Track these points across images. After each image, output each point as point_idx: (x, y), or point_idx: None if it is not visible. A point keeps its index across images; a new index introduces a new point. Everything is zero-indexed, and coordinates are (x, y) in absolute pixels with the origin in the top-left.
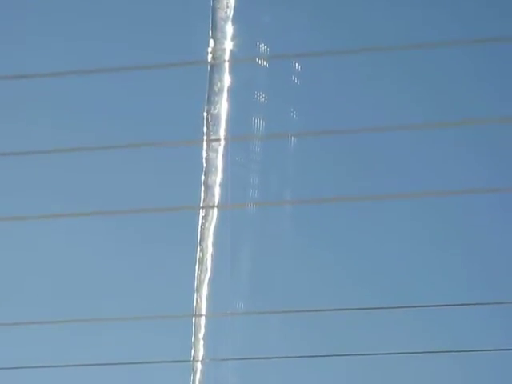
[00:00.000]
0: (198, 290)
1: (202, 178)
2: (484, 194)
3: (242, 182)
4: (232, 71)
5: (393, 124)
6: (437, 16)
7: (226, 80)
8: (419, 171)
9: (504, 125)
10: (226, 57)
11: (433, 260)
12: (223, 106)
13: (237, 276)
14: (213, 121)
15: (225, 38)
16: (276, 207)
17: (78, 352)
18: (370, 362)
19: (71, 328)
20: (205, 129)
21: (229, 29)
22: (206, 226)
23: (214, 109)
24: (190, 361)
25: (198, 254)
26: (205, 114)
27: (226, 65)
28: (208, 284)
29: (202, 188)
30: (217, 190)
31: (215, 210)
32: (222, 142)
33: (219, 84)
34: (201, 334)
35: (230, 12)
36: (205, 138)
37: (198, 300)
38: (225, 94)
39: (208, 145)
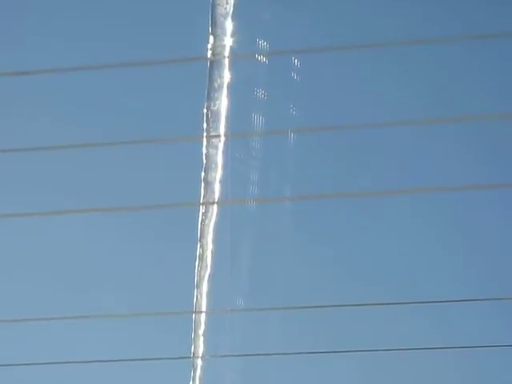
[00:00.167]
0: (198, 286)
1: (202, 174)
2: (484, 190)
3: (242, 179)
4: (232, 67)
5: (392, 120)
6: (437, 12)
7: (226, 76)
8: (419, 167)
9: (504, 121)
10: (226, 53)
11: (433, 256)
12: (223, 103)
13: (237, 272)
14: (213, 117)
15: (224, 34)
16: (276, 203)
17: (78, 348)
18: (370, 359)
19: (70, 324)
20: (205, 125)
21: (228, 25)
22: (206, 222)
23: (214, 105)
24: (190, 357)
25: (198, 251)
26: (205, 110)
27: (226, 61)
28: (208, 280)
29: (202, 184)
30: (217, 187)
31: (215, 206)
32: (222, 139)
33: (219, 80)
34: (201, 331)
35: (230, 8)
36: (205, 134)
37: (198, 296)
38: (224, 91)
39: (208, 141)
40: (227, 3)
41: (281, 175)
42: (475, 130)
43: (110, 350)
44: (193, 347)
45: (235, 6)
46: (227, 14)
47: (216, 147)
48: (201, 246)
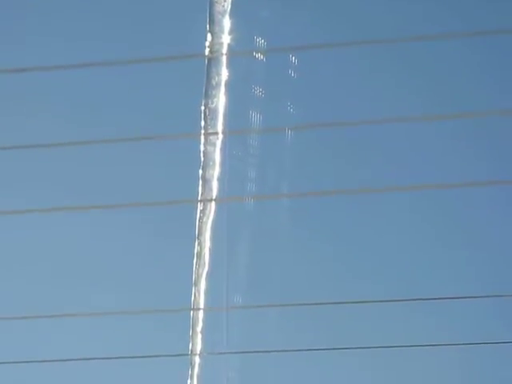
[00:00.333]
0: (196, 283)
1: (200, 171)
2: (484, 187)
3: (240, 176)
4: (230, 65)
5: (391, 116)
6: (435, 8)
7: (224, 74)
8: (418, 163)
9: (504, 117)
10: (224, 50)
11: (432, 252)
12: (221, 100)
13: (235, 270)
14: (210, 114)
15: (222, 31)
16: (274, 201)
17: (75, 346)
18: (370, 356)
19: (68, 322)
20: (202, 122)
21: (226, 22)
22: (204, 219)
23: (212, 102)
24: (187, 354)
25: (196, 248)
26: (202, 107)
27: (224, 58)
28: (206, 278)
29: (200, 182)
30: (214, 184)
31: (213, 203)
32: (220, 136)
33: (217, 78)
34: (199, 328)
35: (228, 6)
36: (202, 131)
37: (196, 294)
38: (222, 88)
39: (206, 139)
40: (225, 1)
41: (279, 172)
42: (474, 127)
43: (107, 348)
44: (191, 344)
45: (233, 3)
46: (225, 11)
47: (214, 144)
48: (199, 244)
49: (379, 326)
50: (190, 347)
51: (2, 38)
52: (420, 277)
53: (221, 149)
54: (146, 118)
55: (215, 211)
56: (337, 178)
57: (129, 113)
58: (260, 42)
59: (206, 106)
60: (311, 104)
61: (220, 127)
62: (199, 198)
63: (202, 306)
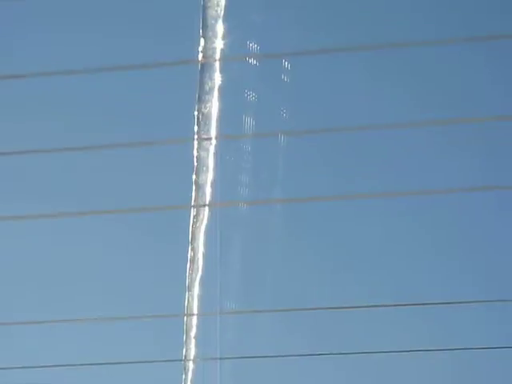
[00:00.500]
0: (190, 289)
1: (193, 176)
2: (481, 192)
3: (233, 181)
4: (223, 70)
5: (385, 122)
6: (433, 13)
7: (217, 79)
8: (413, 169)
9: (502, 123)
10: (217, 56)
11: (429, 258)
12: (214, 105)
13: (228, 275)
14: (204, 120)
15: (215, 36)
16: (267, 206)
17: (69, 351)
18: (364, 361)
19: (62, 327)
20: (196, 128)
21: (219, 28)
22: (197, 225)
23: (205, 108)
24: (181, 360)
25: (190, 253)
26: (195, 112)
27: (217, 64)
28: (199, 283)
29: (193, 187)
30: (208, 189)
31: (206, 209)
32: (213, 141)
33: (210, 83)
34: (192, 333)
35: (221, 11)
36: (196, 136)
37: (190, 299)
38: (215, 93)
39: (199, 144)
40: (218, 6)
41: (271, 177)
42: (470, 132)
43: (101, 353)
44: (184, 350)
45: (226, 8)
46: (218, 16)
47: (207, 150)
48: (192, 249)
49: (373, 332)
50: (184, 352)
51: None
52: (417, 282)
53: (214, 154)
54: (140, 124)
55: (208, 216)
56: (329, 183)
57: (122, 118)
58: (253, 47)
59: (199, 111)
60: (304, 109)
61: (213, 132)
62: (192, 203)
63: (195, 311)
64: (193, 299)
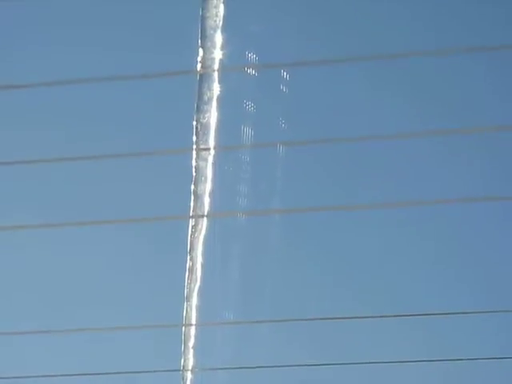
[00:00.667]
0: (188, 299)
1: (192, 187)
2: (479, 203)
3: (232, 191)
4: (221, 80)
5: (384, 132)
6: (434, 24)
7: (216, 89)
8: (413, 179)
9: (502, 133)
10: (216, 66)
11: (429, 268)
12: (212, 115)
13: (227, 285)
14: (202, 130)
15: (214, 47)
16: (266, 216)
17: (67, 362)
18: (362, 371)
19: (59, 338)
20: (194, 138)
21: (218, 38)
22: (196, 235)
23: (204, 118)
24: (179, 370)
25: (188, 264)
26: (194, 123)
27: (216, 74)
28: (198, 293)
29: (192, 197)
30: (206, 199)
31: (205, 219)
32: (212, 151)
33: (208, 93)
34: (191, 344)
35: (220, 21)
36: (194, 147)
37: (188, 309)
38: (214, 103)
39: (197, 154)
40: (217, 16)
41: (270, 188)
42: (471, 142)
43: (100, 363)
44: (183, 360)
45: (225, 18)
46: (217, 26)
47: (205, 160)
48: (190, 259)
49: (372, 342)
50: (182, 363)
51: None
52: (414, 292)
53: (212, 164)
54: (138, 134)
55: (207, 227)
56: (329, 193)
57: (121, 128)
58: (252, 57)
59: (197, 121)
60: (303, 120)
61: (212, 142)
62: (191, 214)
63: (193, 321)
64: (191, 309)
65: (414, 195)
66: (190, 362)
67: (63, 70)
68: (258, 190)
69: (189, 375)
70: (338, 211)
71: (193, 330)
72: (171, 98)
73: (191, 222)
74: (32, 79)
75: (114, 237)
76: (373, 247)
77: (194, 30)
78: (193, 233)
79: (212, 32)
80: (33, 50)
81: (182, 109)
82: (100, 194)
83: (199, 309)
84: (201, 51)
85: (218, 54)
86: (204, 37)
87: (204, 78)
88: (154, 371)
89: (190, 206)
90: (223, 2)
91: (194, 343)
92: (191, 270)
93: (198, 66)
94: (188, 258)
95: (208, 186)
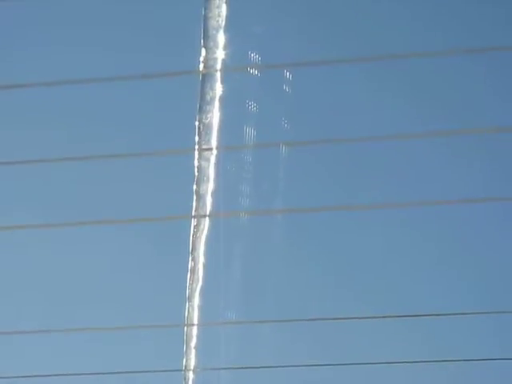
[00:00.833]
0: (190, 299)
1: (194, 187)
2: (480, 204)
3: (234, 191)
4: (224, 80)
5: (385, 133)
6: (434, 25)
7: (218, 89)
8: (414, 180)
9: (502, 134)
10: (218, 66)
11: (430, 269)
12: (215, 115)
13: (229, 285)
14: (204, 130)
15: (216, 47)
16: (268, 216)
17: (67, 361)
18: (365, 371)
19: (61, 337)
20: (196, 138)
21: (220, 38)
22: (198, 235)
23: (206, 118)
24: (181, 370)
25: (190, 264)
26: (196, 123)
27: (218, 74)
28: (200, 293)
29: (194, 197)
30: (208, 199)
31: (207, 219)
32: (214, 151)
33: (211, 93)
34: (192, 344)
35: (222, 21)
36: (196, 147)
37: (190, 309)
38: (216, 103)
39: (200, 154)
40: (219, 16)
41: (272, 188)
42: (471, 143)
43: (101, 363)
44: (184, 360)
45: (227, 19)
46: (219, 26)
47: (208, 160)
48: (192, 259)
49: (374, 342)
50: (184, 363)
51: None
52: (417, 293)
53: (215, 164)
54: (141, 134)
55: (209, 226)
56: (331, 194)
57: (123, 128)
58: (254, 57)
59: (200, 121)
60: (305, 120)
61: (214, 142)
62: (193, 214)
63: (195, 321)
64: (193, 309)
65: (415, 196)
66: (192, 362)
67: (63, 70)
68: (260, 190)
69: (191, 375)
70: (340, 211)
71: (195, 330)
72: (174, 98)
73: (193, 222)
74: (32, 79)
75: (115, 237)
76: (374, 247)
77: (196, 30)
78: (195, 233)
79: (214, 32)
80: (33, 50)
81: (185, 109)
82: (102, 193)
83: (201, 309)
84: (203, 51)
85: (220, 54)
86: (206, 37)
87: (206, 78)
88: (156, 371)
89: (192, 205)
90: (226, 2)
91: (196, 343)
92: (193, 269)
93: (201, 66)
94: (190, 257)
95: (210, 186)
